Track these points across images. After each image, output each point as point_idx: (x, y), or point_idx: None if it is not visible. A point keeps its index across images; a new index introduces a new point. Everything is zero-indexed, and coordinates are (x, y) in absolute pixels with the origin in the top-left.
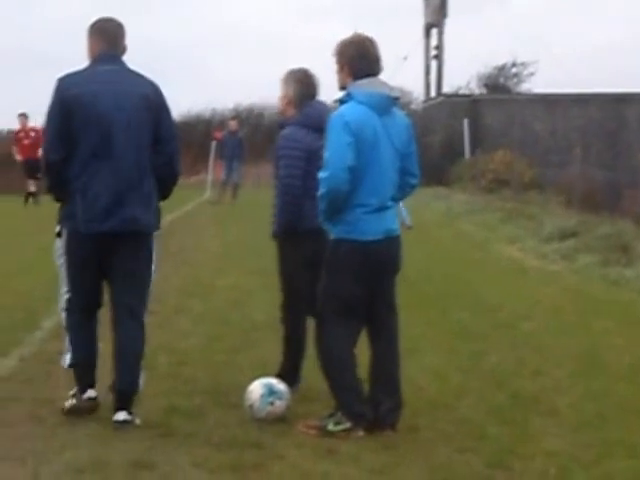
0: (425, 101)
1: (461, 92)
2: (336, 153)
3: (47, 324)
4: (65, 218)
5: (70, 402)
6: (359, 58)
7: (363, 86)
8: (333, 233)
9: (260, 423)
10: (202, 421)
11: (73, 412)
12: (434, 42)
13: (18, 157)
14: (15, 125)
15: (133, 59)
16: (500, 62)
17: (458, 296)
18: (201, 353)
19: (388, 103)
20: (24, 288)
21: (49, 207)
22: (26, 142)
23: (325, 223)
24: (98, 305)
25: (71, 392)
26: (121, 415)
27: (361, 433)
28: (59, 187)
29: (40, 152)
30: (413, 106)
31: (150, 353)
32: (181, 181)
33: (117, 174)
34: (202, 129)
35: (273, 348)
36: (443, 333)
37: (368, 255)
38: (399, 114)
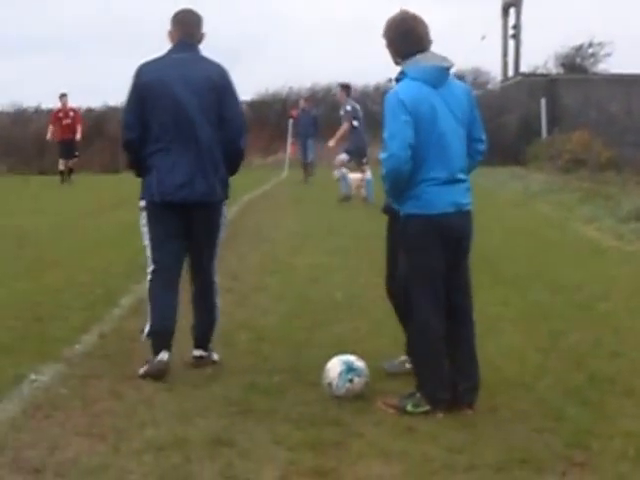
0: (502, 81)
1: (538, 72)
2: (394, 133)
3: (125, 301)
4: (144, 191)
5: (143, 368)
6: (403, 37)
7: (415, 62)
8: (402, 210)
9: (339, 400)
10: (281, 398)
11: (146, 376)
12: (512, 21)
13: (50, 136)
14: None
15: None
16: (577, 42)
17: (535, 276)
18: (280, 331)
19: (442, 74)
20: (101, 265)
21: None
22: (65, 122)
23: (393, 201)
24: (178, 274)
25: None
26: (197, 352)
27: (440, 415)
28: (137, 164)
29: (78, 132)
30: (490, 86)
31: (230, 330)
32: (259, 161)
33: (187, 151)
34: (279, 108)
35: (351, 326)
36: (521, 313)
37: (439, 229)
38: (456, 83)
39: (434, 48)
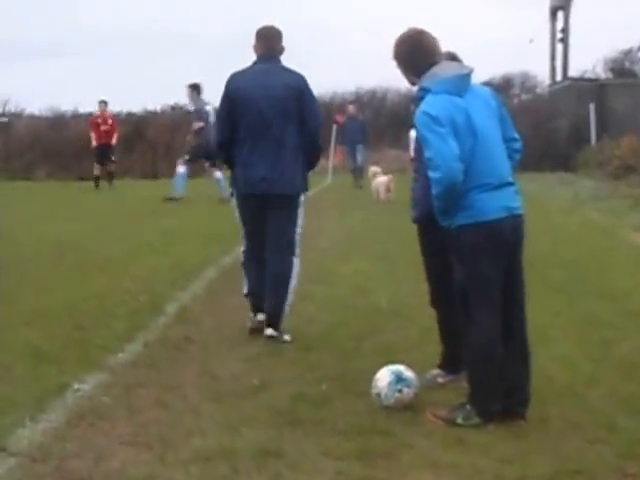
0: (551, 85)
1: (587, 76)
2: (439, 149)
3: (170, 309)
4: (233, 183)
5: (249, 324)
6: (414, 53)
7: (434, 75)
8: (453, 222)
9: (388, 411)
10: (329, 408)
11: (252, 332)
12: (560, 25)
13: (94, 143)
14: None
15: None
16: (626, 46)
17: (585, 283)
18: (327, 340)
19: (464, 82)
20: (144, 272)
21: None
22: (103, 128)
23: (443, 219)
24: (263, 250)
25: (249, 315)
26: (269, 331)
27: (491, 426)
28: (227, 160)
29: (114, 138)
30: (538, 90)
31: (276, 340)
32: None
33: (268, 149)
34: (322, 113)
35: (399, 334)
36: (571, 321)
37: (493, 235)
38: (478, 87)
39: (481, 51)
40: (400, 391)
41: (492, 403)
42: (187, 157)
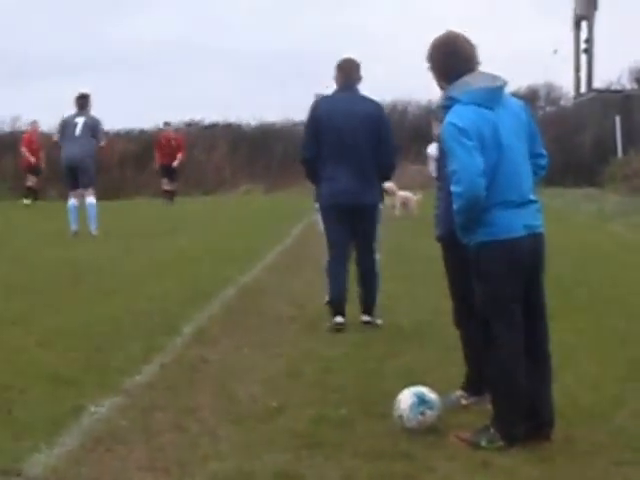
0: (575, 97)
1: (612, 87)
2: (464, 163)
3: (187, 329)
4: (318, 197)
5: (328, 324)
6: (449, 58)
7: (465, 84)
8: (474, 239)
9: (410, 433)
10: (350, 431)
11: (330, 330)
12: (584, 35)
13: (157, 162)
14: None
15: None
16: None
17: (612, 302)
18: (348, 361)
19: (496, 95)
20: (159, 292)
21: (183, 209)
22: (166, 149)
23: (463, 235)
24: (347, 258)
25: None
26: (365, 317)
27: (516, 449)
28: (313, 176)
29: (177, 159)
30: (563, 102)
31: (296, 361)
32: None
33: (349, 167)
34: None
35: (421, 355)
36: (597, 340)
37: (513, 254)
38: (511, 100)
39: (506, 62)
40: (422, 413)
41: (517, 426)
42: None
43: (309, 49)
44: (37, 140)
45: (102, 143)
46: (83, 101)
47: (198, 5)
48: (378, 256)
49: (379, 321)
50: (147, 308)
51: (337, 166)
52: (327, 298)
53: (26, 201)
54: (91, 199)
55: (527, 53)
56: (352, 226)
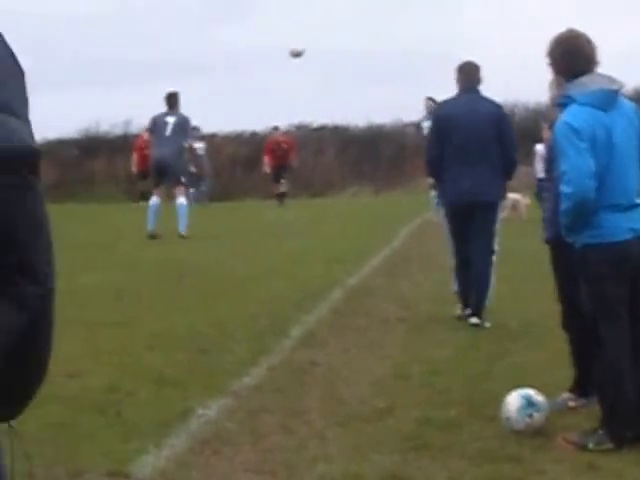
0: None
1: None
2: (576, 164)
3: (295, 332)
4: (441, 196)
5: (458, 312)
6: (569, 56)
7: (582, 85)
8: (579, 240)
9: (518, 436)
10: (457, 433)
11: (459, 319)
12: None
13: (266, 166)
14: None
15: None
16: None
17: None
18: (455, 363)
19: (612, 98)
20: (268, 295)
21: (291, 211)
22: (277, 152)
23: (569, 235)
24: (467, 253)
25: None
26: (474, 319)
27: (624, 451)
28: (437, 176)
29: (291, 160)
30: None
31: (403, 363)
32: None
33: (473, 166)
34: None
35: (529, 357)
36: None
37: (619, 257)
38: (625, 103)
39: (613, 63)
40: (530, 416)
41: (625, 427)
42: None
43: (418, 50)
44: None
45: (186, 144)
46: (173, 100)
47: (307, 7)
48: (494, 257)
49: (487, 324)
50: (255, 310)
51: (462, 166)
52: (455, 288)
53: (142, 203)
54: (182, 199)
55: (634, 54)
56: (474, 224)
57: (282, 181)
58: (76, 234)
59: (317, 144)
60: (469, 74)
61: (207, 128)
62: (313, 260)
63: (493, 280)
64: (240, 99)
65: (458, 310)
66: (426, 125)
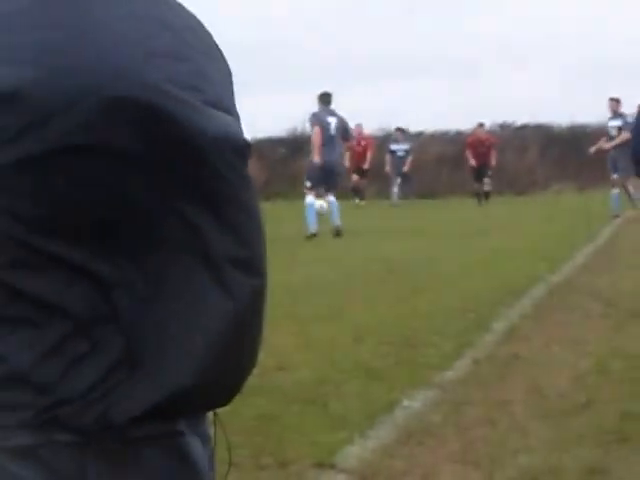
0: None
1: None
2: None
3: (498, 327)
4: None
5: None
6: None
7: None
8: None
9: None
10: None
11: None
12: None
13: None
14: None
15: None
16: None
17: None
18: None
19: None
20: (473, 290)
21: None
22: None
23: None
24: None
25: None
26: None
27: None
28: None
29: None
30: None
31: (605, 357)
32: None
33: None
34: None
35: None
36: None
37: None
38: None
39: None
40: None
41: None
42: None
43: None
44: (362, 141)
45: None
46: (328, 98)
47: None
48: None
49: None
50: (459, 305)
51: None
52: None
53: (357, 201)
54: (333, 197)
55: None
56: None
57: (485, 180)
58: (281, 230)
59: (520, 143)
60: None
61: (413, 127)
62: (517, 257)
63: None
64: (450, 98)
65: None
66: (611, 125)
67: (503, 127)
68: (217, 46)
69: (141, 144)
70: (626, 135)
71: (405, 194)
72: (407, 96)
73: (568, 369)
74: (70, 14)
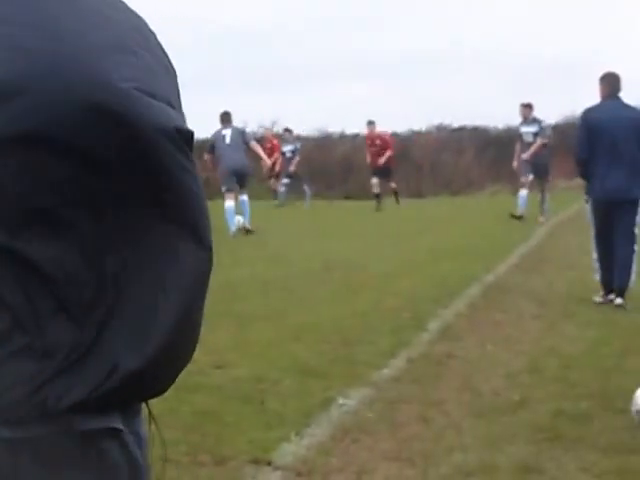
0: None
1: None
2: None
3: (433, 326)
4: (590, 192)
5: (598, 299)
6: None
7: None
8: None
9: None
10: (589, 425)
11: (599, 304)
12: None
13: (368, 160)
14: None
15: None
16: None
17: None
18: (588, 357)
19: None
20: (408, 290)
21: (430, 210)
22: (372, 149)
23: None
24: (612, 244)
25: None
26: (618, 300)
27: None
28: (585, 174)
29: (384, 158)
30: None
31: (538, 357)
32: (565, 183)
33: (617, 165)
34: None
35: None
36: None
37: None
38: None
39: None
40: None
41: None
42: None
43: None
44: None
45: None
46: (227, 117)
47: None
48: (636, 247)
49: (628, 306)
50: (395, 304)
51: (609, 165)
52: (598, 278)
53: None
54: (245, 197)
55: None
56: (617, 217)
57: (375, 181)
58: (220, 229)
59: (457, 144)
60: (612, 83)
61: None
62: (452, 257)
63: (634, 267)
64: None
65: (599, 298)
66: (525, 130)
67: (440, 129)
68: (161, 45)
69: (91, 135)
70: (542, 141)
71: (297, 194)
72: (344, 99)
73: (502, 368)
74: (21, 10)
